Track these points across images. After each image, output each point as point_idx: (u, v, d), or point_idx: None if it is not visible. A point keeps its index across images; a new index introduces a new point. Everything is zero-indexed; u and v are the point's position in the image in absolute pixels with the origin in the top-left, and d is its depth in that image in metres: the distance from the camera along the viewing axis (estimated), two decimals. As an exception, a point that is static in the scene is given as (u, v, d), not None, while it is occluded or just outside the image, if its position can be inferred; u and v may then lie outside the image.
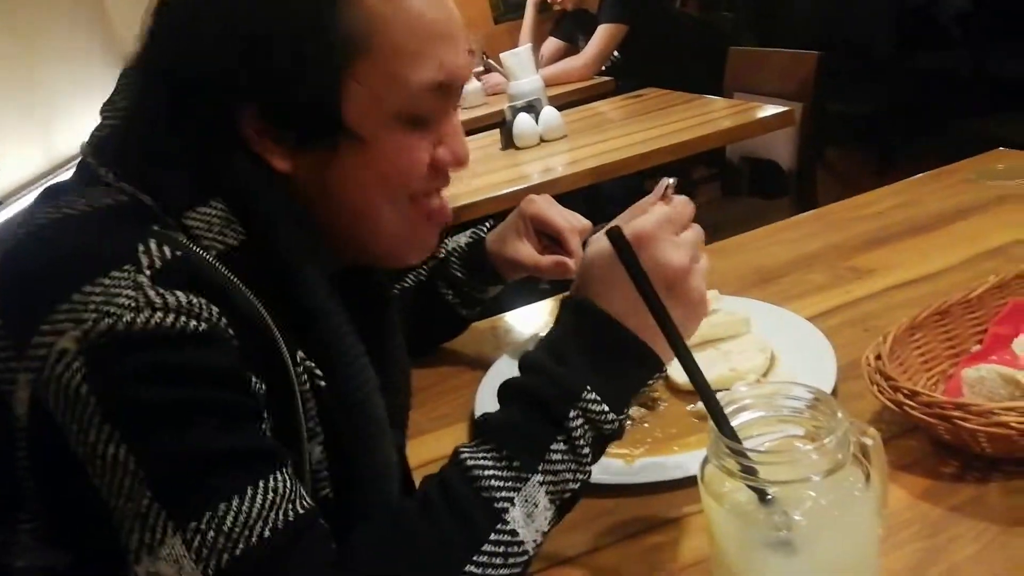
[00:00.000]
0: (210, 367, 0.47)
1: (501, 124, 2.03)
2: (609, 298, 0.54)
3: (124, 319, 0.45)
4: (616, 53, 2.94)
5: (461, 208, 1.61)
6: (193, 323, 0.47)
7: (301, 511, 0.48)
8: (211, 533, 0.45)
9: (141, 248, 0.48)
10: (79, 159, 0.57)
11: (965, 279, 0.80)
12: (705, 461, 0.46)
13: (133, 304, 0.46)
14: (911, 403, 0.56)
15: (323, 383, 0.55)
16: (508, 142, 1.99)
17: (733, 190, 2.34)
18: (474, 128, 2.52)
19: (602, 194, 2.55)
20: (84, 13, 2.21)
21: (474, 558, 0.49)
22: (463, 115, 2.83)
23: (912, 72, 3.17)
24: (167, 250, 0.49)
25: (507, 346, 0.91)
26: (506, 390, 0.55)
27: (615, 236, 0.52)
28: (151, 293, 0.46)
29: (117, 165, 0.54)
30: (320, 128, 0.56)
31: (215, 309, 0.48)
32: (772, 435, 0.47)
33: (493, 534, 0.49)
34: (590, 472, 0.54)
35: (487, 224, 0.89)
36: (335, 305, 0.57)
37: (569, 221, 0.82)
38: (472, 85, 2.95)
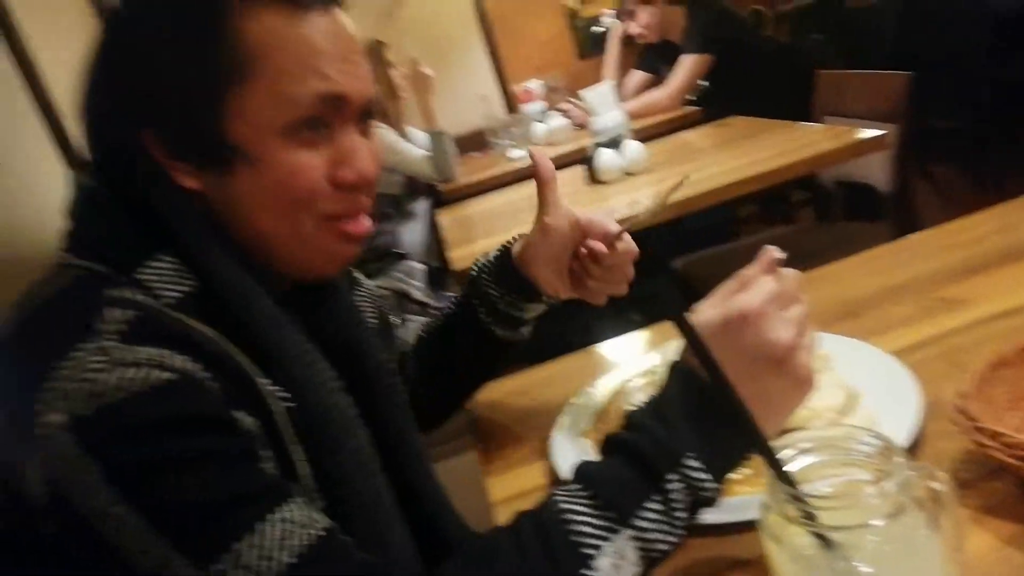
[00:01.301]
0: (190, 414, 0.50)
1: (585, 160, 2.05)
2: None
3: (96, 381, 0.49)
4: (702, 82, 2.93)
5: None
6: (160, 374, 0.50)
7: (319, 532, 0.51)
8: (235, 572, 0.48)
9: (101, 317, 0.52)
10: None
11: (1065, 309, 0.76)
12: (765, 506, 0.46)
13: (102, 367, 0.49)
14: (993, 444, 0.54)
15: (291, 404, 0.58)
16: (592, 177, 2.01)
17: (828, 216, 2.27)
18: (558, 165, 2.55)
19: (690, 224, 2.53)
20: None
21: None
22: (549, 151, 2.88)
23: (1013, 83, 3.00)
24: (124, 312, 0.52)
25: (589, 382, 0.92)
26: (609, 443, 0.57)
27: (682, 323, 0.53)
28: (116, 354, 0.50)
29: (71, 246, 0.59)
30: (210, 149, 0.60)
31: (183, 357, 0.51)
32: (837, 479, 0.47)
33: None
34: (682, 534, 0.55)
35: (513, 237, 0.86)
36: (283, 325, 0.60)
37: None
38: (558, 122, 3.00)
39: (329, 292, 0.74)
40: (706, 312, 0.58)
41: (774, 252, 0.59)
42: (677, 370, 0.58)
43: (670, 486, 0.53)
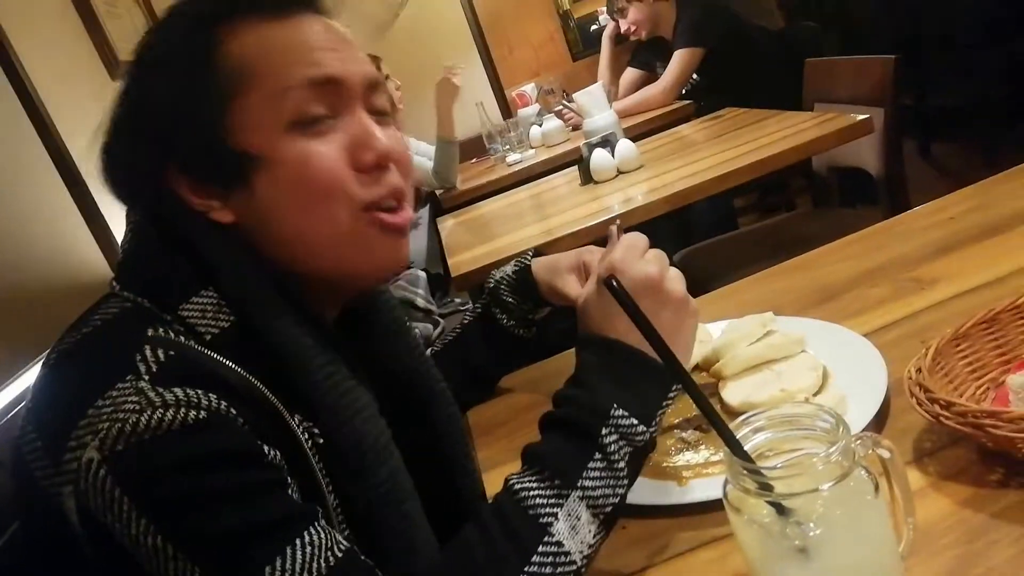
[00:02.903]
0: (219, 450, 0.53)
1: (579, 161, 2.09)
2: (611, 326, 0.63)
3: (130, 421, 0.51)
4: (695, 76, 2.96)
5: (547, 244, 1.69)
6: (192, 413, 0.52)
7: (340, 554, 0.54)
8: None
9: (138, 357, 0.54)
10: None
11: (1031, 283, 0.79)
12: (727, 482, 0.50)
13: (137, 407, 0.51)
14: (946, 414, 0.57)
15: (321, 440, 0.61)
16: (587, 178, 2.05)
17: (824, 201, 2.29)
18: (556, 166, 2.61)
19: (692, 216, 2.56)
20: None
21: (525, 569, 0.55)
22: (546, 154, 2.93)
23: (1009, 59, 3.01)
24: (161, 353, 0.55)
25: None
26: (544, 422, 0.63)
27: (608, 283, 0.58)
28: (151, 395, 0.52)
29: (121, 278, 0.62)
30: (225, 163, 0.62)
31: (213, 396, 0.54)
32: (797, 453, 0.51)
33: (540, 546, 0.56)
34: (628, 486, 0.60)
35: (530, 252, 0.97)
36: (313, 359, 0.62)
37: None
38: (553, 124, 3.04)
39: (379, 315, 0.79)
40: (587, 286, 0.69)
41: (613, 226, 0.71)
42: (581, 343, 0.65)
43: (606, 441, 0.58)
